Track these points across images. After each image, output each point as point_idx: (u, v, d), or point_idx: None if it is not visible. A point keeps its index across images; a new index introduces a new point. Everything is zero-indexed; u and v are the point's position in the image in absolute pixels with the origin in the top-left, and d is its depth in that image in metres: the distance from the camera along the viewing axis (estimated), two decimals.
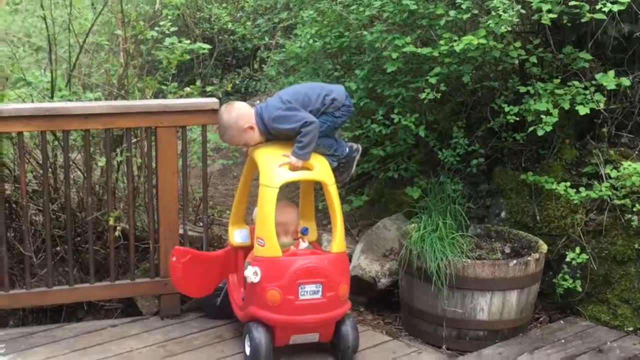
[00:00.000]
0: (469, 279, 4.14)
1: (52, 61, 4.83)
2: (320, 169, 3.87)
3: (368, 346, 4.11)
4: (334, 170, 3.99)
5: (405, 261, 4.28)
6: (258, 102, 8.38)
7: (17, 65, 4.75)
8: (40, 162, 4.62)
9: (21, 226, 4.39)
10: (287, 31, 7.71)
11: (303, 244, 4.03)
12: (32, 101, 4.76)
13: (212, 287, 4.24)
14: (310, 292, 3.75)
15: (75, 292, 4.29)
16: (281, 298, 3.72)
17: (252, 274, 3.76)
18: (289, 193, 5.91)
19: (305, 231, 4.22)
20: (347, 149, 4.08)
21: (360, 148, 4.20)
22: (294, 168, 3.81)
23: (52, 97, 4.72)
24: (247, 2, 8.21)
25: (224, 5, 8.63)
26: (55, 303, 4.42)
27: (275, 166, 3.82)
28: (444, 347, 4.27)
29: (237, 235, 4.21)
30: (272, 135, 3.92)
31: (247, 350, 3.83)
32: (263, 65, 7.74)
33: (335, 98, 3.92)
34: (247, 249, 4.14)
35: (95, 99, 4.78)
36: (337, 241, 3.86)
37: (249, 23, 7.88)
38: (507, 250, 4.47)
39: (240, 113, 3.92)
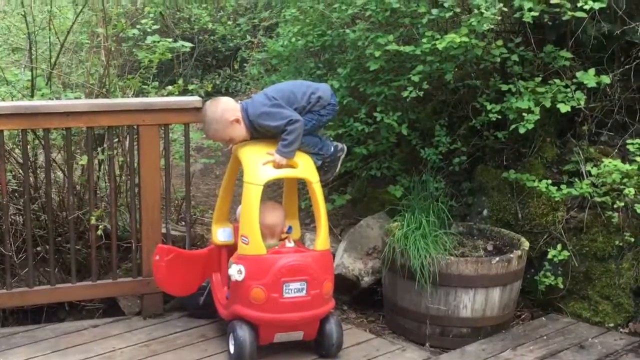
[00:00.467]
0: (453, 276, 4.15)
1: (33, 59, 4.79)
2: (305, 167, 3.87)
3: (352, 344, 4.11)
4: (318, 169, 3.99)
5: (389, 259, 4.29)
6: (239, 102, 8.38)
7: None
8: (20, 161, 4.59)
9: (1, 226, 4.34)
10: (269, 30, 7.70)
11: (289, 244, 4.02)
12: (12, 100, 4.71)
13: (196, 286, 4.22)
14: (294, 290, 3.75)
15: (56, 292, 4.25)
16: (265, 296, 3.71)
17: (236, 272, 3.75)
18: (271, 192, 5.90)
19: (289, 229, 4.22)
20: (332, 148, 4.08)
21: (345, 148, 4.20)
22: (278, 166, 3.81)
23: (32, 96, 4.67)
24: (228, 1, 8.19)
25: (204, 5, 8.60)
26: (36, 303, 4.38)
27: (259, 164, 3.81)
28: (427, 344, 4.28)
29: (220, 234, 4.19)
30: (257, 132, 3.91)
31: (231, 348, 3.82)
32: (245, 65, 7.73)
33: (320, 96, 3.92)
34: (230, 248, 4.13)
35: (76, 98, 4.74)
36: (321, 239, 3.86)
37: (230, 22, 7.85)
38: (490, 248, 4.50)
39: (226, 107, 3.91)
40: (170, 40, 4.88)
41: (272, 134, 3.87)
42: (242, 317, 3.79)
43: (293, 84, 4.09)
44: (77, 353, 3.92)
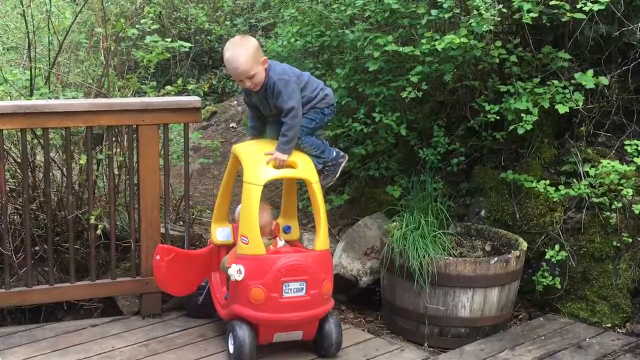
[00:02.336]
0: (451, 277, 4.17)
1: (31, 59, 4.78)
2: (304, 168, 3.88)
3: (351, 344, 4.12)
4: (318, 172, 3.99)
5: (387, 259, 4.30)
6: (235, 102, 8.39)
7: None
8: (18, 160, 4.59)
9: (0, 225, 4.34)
10: (266, 30, 7.70)
11: (280, 242, 4.03)
12: (10, 99, 4.70)
13: (195, 286, 4.22)
14: (294, 289, 3.75)
15: (55, 291, 4.24)
16: (265, 296, 3.72)
17: (235, 272, 3.75)
18: (268, 193, 5.90)
19: (287, 229, 4.23)
20: (334, 153, 4.10)
21: (347, 157, 4.19)
22: (279, 162, 3.81)
23: (31, 96, 4.66)
24: (226, 2, 8.19)
25: (200, 5, 8.60)
26: (35, 303, 4.37)
27: (259, 164, 3.82)
28: (425, 344, 4.29)
29: (219, 234, 4.20)
30: (256, 95, 3.88)
31: (231, 348, 3.82)
32: None
33: (327, 94, 3.96)
34: (229, 247, 4.13)
35: (74, 98, 4.73)
36: (321, 239, 3.86)
37: (227, 22, 7.85)
38: (488, 248, 4.51)
39: (258, 46, 3.83)
40: (169, 40, 4.88)
41: (265, 107, 3.89)
42: (241, 316, 3.79)
43: (309, 75, 4.06)
44: (76, 352, 3.92)
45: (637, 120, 4.78)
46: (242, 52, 3.74)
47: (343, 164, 4.13)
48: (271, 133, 4.04)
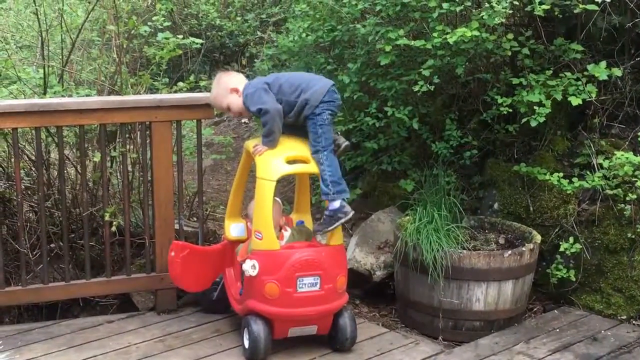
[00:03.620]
0: (465, 270, 4.17)
1: (45, 57, 4.81)
2: None
3: (365, 338, 4.13)
4: (316, 219, 3.97)
5: (401, 253, 4.31)
6: None
7: (10, 61, 4.72)
8: (32, 158, 4.62)
9: (15, 223, 4.38)
10: (275, 25, 7.70)
11: (286, 233, 4.03)
12: (24, 98, 4.73)
13: (210, 282, 4.25)
14: (308, 284, 3.77)
15: (71, 288, 4.28)
16: (279, 291, 3.73)
17: (250, 267, 3.77)
18: (281, 188, 5.92)
19: (300, 224, 4.24)
20: (339, 204, 3.85)
21: (350, 215, 3.87)
22: (258, 153, 3.82)
23: (44, 94, 4.69)
24: None
25: (211, 1, 8.61)
26: (51, 299, 4.41)
27: (271, 159, 3.83)
28: (440, 337, 4.30)
29: (233, 229, 4.21)
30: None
31: (246, 343, 3.84)
32: (255, 60, 7.74)
33: (308, 99, 3.84)
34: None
35: (87, 95, 4.76)
36: (335, 234, 3.87)
37: (238, 18, 7.86)
38: (502, 241, 4.50)
39: (231, 76, 4.03)
40: (181, 37, 4.90)
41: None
42: (256, 312, 3.80)
43: (290, 76, 4.03)
44: (93, 349, 3.95)
45: None
46: (212, 93, 4.05)
47: (342, 221, 3.84)
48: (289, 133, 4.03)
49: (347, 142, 4.03)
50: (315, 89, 3.86)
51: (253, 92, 3.86)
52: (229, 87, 3.95)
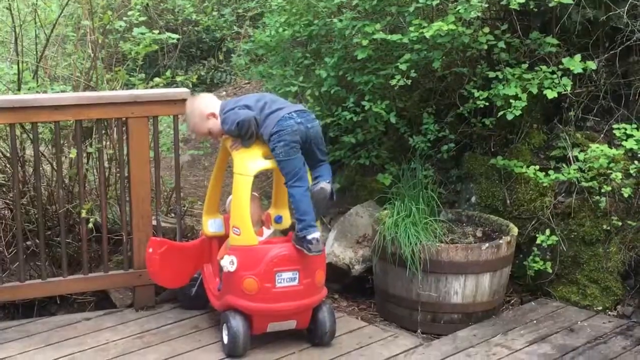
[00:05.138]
0: (443, 263, 4.19)
1: (18, 53, 4.76)
2: None
3: (344, 332, 4.13)
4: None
5: (380, 247, 4.32)
6: (224, 93, 8.37)
7: None
8: (7, 155, 4.57)
9: None
10: (253, 20, 7.67)
11: (267, 231, 4.04)
12: None
13: (188, 278, 4.23)
14: (287, 279, 3.77)
15: (48, 285, 4.24)
16: (258, 286, 3.73)
17: (228, 263, 3.76)
18: (259, 183, 5.91)
19: (279, 219, 4.24)
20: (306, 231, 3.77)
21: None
22: (235, 148, 3.84)
23: (19, 90, 4.64)
24: None
25: None
26: (27, 297, 4.37)
27: (248, 155, 3.82)
28: (419, 331, 4.31)
29: (211, 225, 4.20)
30: None
31: (225, 339, 3.84)
32: (232, 55, 7.71)
33: (262, 134, 3.81)
34: (221, 239, 4.14)
35: (63, 91, 4.72)
36: None
37: (215, 13, 7.82)
38: (479, 234, 4.53)
39: (202, 101, 4.02)
40: (157, 32, 4.87)
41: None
42: (235, 307, 3.80)
43: (258, 98, 3.94)
44: (71, 346, 3.92)
45: (625, 104, 4.80)
46: (189, 124, 4.05)
47: (305, 251, 3.75)
48: None
49: (319, 189, 3.80)
50: (267, 124, 3.79)
51: (224, 118, 3.85)
52: (205, 113, 3.95)
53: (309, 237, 3.73)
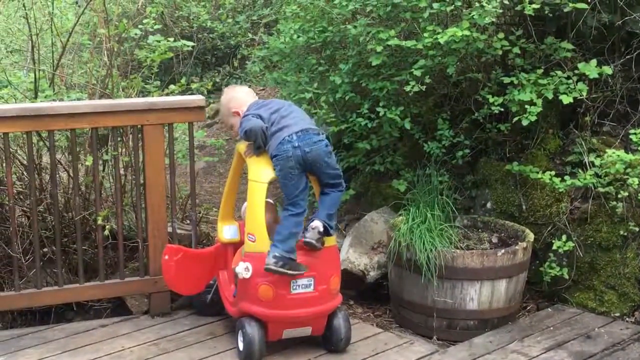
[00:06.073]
0: (459, 269, 4.17)
1: (35, 61, 4.79)
2: None
3: (360, 338, 4.13)
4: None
5: (395, 253, 4.31)
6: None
7: (0, 66, 4.70)
8: (24, 163, 4.61)
9: (7, 228, 4.36)
10: (268, 27, 7.70)
11: None
12: (15, 102, 4.72)
13: (204, 284, 4.24)
14: (302, 286, 3.77)
15: (64, 292, 4.26)
16: (273, 293, 3.73)
17: (243, 269, 3.76)
18: (275, 189, 5.92)
19: None
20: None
21: (307, 241, 3.78)
22: (249, 155, 3.86)
23: (35, 98, 4.68)
24: None
25: (202, 3, 8.60)
26: (44, 304, 4.39)
27: (263, 161, 3.83)
28: (434, 337, 4.30)
29: (226, 231, 4.20)
30: None
31: (240, 345, 3.84)
32: (247, 62, 7.73)
33: (267, 150, 3.82)
34: (236, 245, 4.15)
35: (79, 99, 4.75)
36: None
37: (229, 20, 7.86)
38: (495, 240, 4.51)
39: (235, 96, 4.07)
40: (172, 39, 4.89)
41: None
42: (250, 314, 3.80)
43: (271, 112, 3.89)
44: (87, 353, 3.94)
45: None
46: (221, 111, 4.20)
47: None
48: None
49: (307, 241, 3.76)
50: (271, 144, 3.80)
51: (243, 120, 3.88)
52: (231, 110, 4.02)
53: (267, 263, 3.67)
